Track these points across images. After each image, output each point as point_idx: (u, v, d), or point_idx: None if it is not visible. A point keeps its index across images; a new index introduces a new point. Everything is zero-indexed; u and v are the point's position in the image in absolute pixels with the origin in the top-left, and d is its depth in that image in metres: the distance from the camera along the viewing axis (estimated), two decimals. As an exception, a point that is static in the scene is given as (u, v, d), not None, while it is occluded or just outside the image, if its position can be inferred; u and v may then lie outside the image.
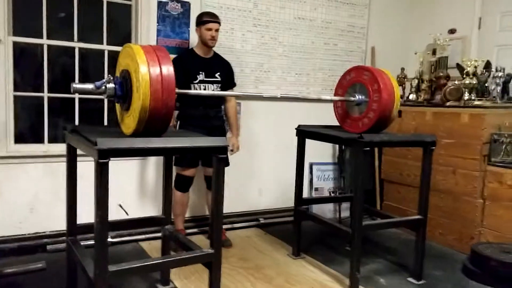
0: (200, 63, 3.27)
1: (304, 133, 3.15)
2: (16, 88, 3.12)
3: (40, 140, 3.25)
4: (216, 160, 2.05)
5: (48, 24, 3.18)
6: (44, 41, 3.18)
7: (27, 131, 3.30)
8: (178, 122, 3.33)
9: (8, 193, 3.08)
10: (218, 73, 3.33)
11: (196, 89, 3.23)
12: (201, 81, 3.26)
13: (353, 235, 2.72)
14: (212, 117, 3.34)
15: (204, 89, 3.27)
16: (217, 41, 3.29)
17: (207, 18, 3.22)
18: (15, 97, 3.12)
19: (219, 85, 3.34)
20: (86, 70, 3.44)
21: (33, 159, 3.15)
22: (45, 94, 3.22)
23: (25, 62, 3.22)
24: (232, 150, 3.44)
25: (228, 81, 3.42)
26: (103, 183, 1.79)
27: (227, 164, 3.39)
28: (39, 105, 3.23)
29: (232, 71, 3.49)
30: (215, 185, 2.09)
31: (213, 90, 3.30)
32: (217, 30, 3.24)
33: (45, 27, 3.16)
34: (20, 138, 3.18)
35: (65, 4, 3.24)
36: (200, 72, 3.25)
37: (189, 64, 3.24)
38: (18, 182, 3.11)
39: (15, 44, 3.07)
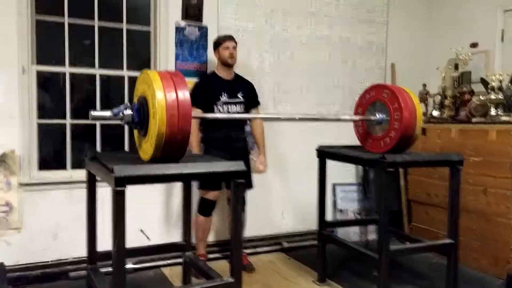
0: (222, 85, 3.29)
1: (325, 154, 3.09)
2: (39, 116, 3.18)
3: (63, 166, 3.29)
4: (234, 185, 2.01)
5: (70, 52, 3.25)
6: (67, 69, 3.25)
7: (50, 157, 3.36)
8: (203, 145, 3.33)
9: (32, 220, 3.11)
10: (241, 93, 3.34)
11: (219, 110, 3.25)
12: (225, 102, 3.27)
13: (380, 261, 2.61)
14: (234, 138, 3.33)
15: (228, 110, 3.28)
16: (236, 62, 3.31)
17: (224, 38, 3.29)
18: (39, 124, 3.18)
19: (243, 105, 3.34)
20: (107, 95, 3.50)
21: (56, 186, 3.18)
22: (68, 121, 3.28)
23: (48, 89, 3.30)
24: (260, 169, 3.42)
25: (251, 101, 3.43)
26: (120, 211, 1.78)
27: (251, 186, 3.36)
28: (62, 132, 3.29)
29: (254, 90, 3.49)
30: (233, 211, 2.04)
31: (236, 111, 3.31)
32: (234, 48, 3.29)
33: (67, 56, 3.24)
34: (43, 164, 3.23)
35: (87, 32, 3.32)
36: (223, 93, 3.27)
37: (211, 86, 3.27)
38: (41, 209, 3.14)
39: (38, 72, 3.15)
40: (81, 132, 3.40)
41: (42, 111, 3.23)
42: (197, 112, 2.97)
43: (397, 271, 3.32)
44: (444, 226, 3.09)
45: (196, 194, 3.15)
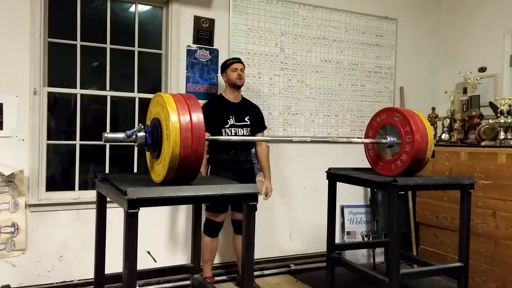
0: (230, 108, 3.30)
1: (335, 177, 3.07)
2: (49, 137, 3.19)
3: (71, 187, 3.28)
4: (247, 207, 2.00)
5: (81, 74, 3.28)
6: (78, 91, 3.28)
7: (58, 178, 3.34)
8: (209, 167, 3.33)
9: (38, 241, 3.09)
10: (248, 117, 3.35)
11: (227, 133, 3.25)
12: (232, 125, 3.28)
13: (390, 285, 2.56)
14: (242, 161, 3.33)
15: (235, 133, 3.28)
16: (245, 85, 3.34)
17: (231, 60, 3.33)
18: (48, 145, 3.18)
19: (249, 128, 3.34)
20: (117, 117, 3.52)
21: (64, 206, 3.17)
22: (77, 142, 3.29)
23: (58, 111, 3.31)
24: (266, 194, 3.39)
25: (257, 125, 3.43)
26: (132, 234, 1.76)
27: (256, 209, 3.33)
28: (71, 153, 3.29)
29: (261, 114, 3.50)
30: (246, 234, 2.02)
31: (243, 134, 3.31)
32: (242, 70, 3.31)
33: (78, 78, 3.27)
34: (51, 185, 3.22)
35: (98, 54, 3.36)
36: (231, 117, 3.28)
37: (219, 109, 3.28)
38: (48, 230, 3.12)
39: (49, 94, 3.17)
40: (89, 153, 3.40)
41: (52, 132, 3.23)
42: (207, 135, 2.97)
43: (406, 295, 3.28)
44: (452, 249, 3.06)
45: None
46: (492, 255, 3.40)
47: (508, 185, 3.30)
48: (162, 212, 3.47)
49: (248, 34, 3.77)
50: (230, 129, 3.27)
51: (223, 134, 3.24)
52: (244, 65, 3.37)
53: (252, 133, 3.38)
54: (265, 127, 3.53)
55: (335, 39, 4.18)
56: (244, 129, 3.33)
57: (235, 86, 3.32)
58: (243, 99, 3.45)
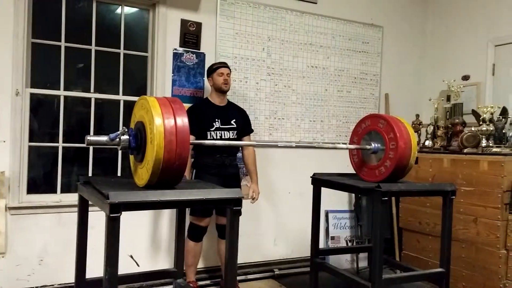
0: (215, 111, 3.29)
1: (319, 182, 3.08)
2: (31, 138, 3.14)
3: (53, 190, 3.23)
4: (231, 212, 1.99)
5: (65, 75, 3.24)
6: (61, 93, 3.23)
7: (40, 181, 3.29)
8: (194, 171, 3.31)
9: (18, 245, 3.03)
10: (234, 120, 3.34)
11: (213, 136, 3.24)
12: (218, 128, 3.26)
13: (373, 290, 2.58)
14: (227, 165, 3.31)
15: (221, 136, 3.27)
16: (231, 89, 3.33)
17: (217, 65, 3.31)
18: (30, 147, 3.13)
19: (235, 131, 3.34)
20: (101, 119, 3.48)
21: (45, 209, 3.12)
22: (60, 144, 3.24)
23: (41, 112, 3.26)
24: (253, 198, 3.38)
25: (244, 127, 3.43)
26: (114, 238, 1.74)
27: (240, 214, 3.32)
28: (53, 155, 3.24)
29: (247, 118, 3.50)
30: (230, 239, 2.01)
31: (229, 137, 3.30)
32: (228, 75, 3.30)
33: (62, 79, 3.23)
34: (32, 188, 3.17)
35: (83, 56, 3.32)
36: (216, 120, 3.26)
37: (204, 112, 3.27)
38: (28, 233, 3.06)
39: (32, 95, 3.13)
40: (72, 155, 3.35)
41: (34, 134, 3.18)
42: (192, 138, 2.96)
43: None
44: (434, 255, 3.10)
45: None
46: (473, 261, 3.45)
47: (489, 191, 3.35)
48: (145, 216, 3.43)
49: (235, 39, 3.77)
50: (215, 132, 3.26)
51: (209, 137, 3.23)
52: (230, 69, 3.36)
53: (239, 136, 3.37)
54: (251, 130, 3.52)
55: (322, 45, 4.21)
56: (230, 132, 3.32)
57: (221, 91, 3.31)
58: (229, 102, 3.44)
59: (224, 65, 3.33)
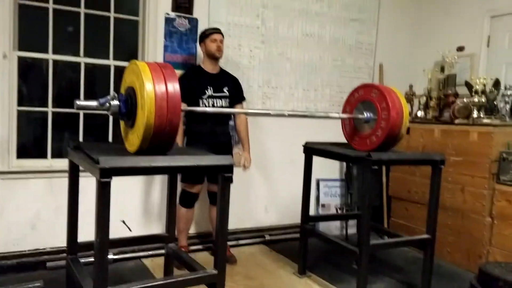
0: (208, 78, 3.26)
1: (311, 151, 3.11)
2: (20, 103, 3.09)
3: (43, 155, 3.22)
4: (222, 179, 2.01)
5: (54, 39, 3.17)
6: (50, 56, 3.17)
7: (30, 146, 3.27)
8: (186, 139, 3.30)
9: (9, 210, 3.04)
10: (226, 88, 3.32)
11: (205, 104, 3.22)
12: (210, 96, 3.24)
13: (360, 255, 2.66)
14: (219, 133, 3.31)
15: (213, 104, 3.25)
16: (224, 56, 3.28)
17: (210, 30, 3.25)
18: (19, 111, 3.09)
19: (228, 99, 3.32)
20: (91, 84, 3.42)
21: (36, 175, 3.11)
22: (49, 109, 3.20)
23: (30, 76, 3.20)
24: (245, 166, 3.40)
25: (236, 96, 3.40)
26: (104, 203, 1.75)
27: (231, 181, 3.35)
28: (43, 120, 3.21)
29: (240, 86, 3.47)
30: (221, 205, 2.04)
31: (221, 105, 3.28)
32: (221, 41, 3.25)
33: (51, 42, 3.16)
34: (23, 153, 3.15)
35: (72, 19, 3.24)
36: (208, 87, 3.23)
37: (196, 79, 3.23)
38: (19, 198, 3.07)
39: (20, 58, 3.06)
40: (63, 121, 3.31)
41: (24, 98, 3.14)
42: (184, 105, 2.93)
43: (375, 264, 3.40)
44: (422, 222, 3.18)
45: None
46: (459, 228, 3.55)
47: (477, 162, 3.41)
48: (137, 182, 3.45)
49: (229, 4, 3.68)
50: (208, 100, 3.24)
51: (201, 105, 3.21)
52: (223, 36, 3.30)
53: (231, 105, 3.35)
54: (243, 98, 3.49)
55: (317, 13, 4.13)
56: (223, 100, 3.30)
57: (214, 58, 3.26)
58: (222, 70, 3.40)
59: (217, 31, 3.27)
